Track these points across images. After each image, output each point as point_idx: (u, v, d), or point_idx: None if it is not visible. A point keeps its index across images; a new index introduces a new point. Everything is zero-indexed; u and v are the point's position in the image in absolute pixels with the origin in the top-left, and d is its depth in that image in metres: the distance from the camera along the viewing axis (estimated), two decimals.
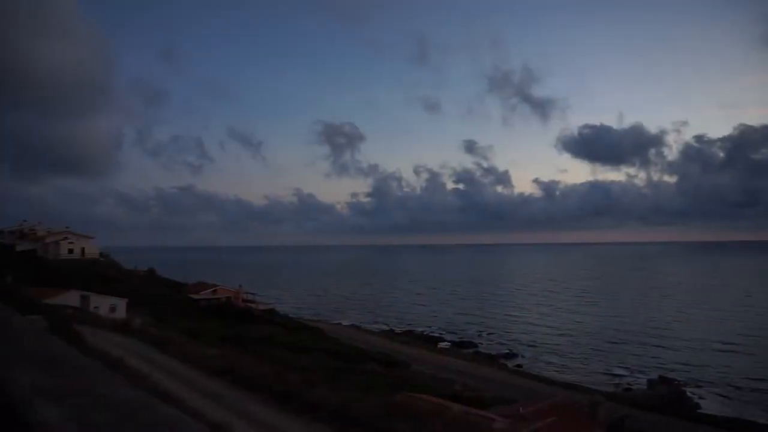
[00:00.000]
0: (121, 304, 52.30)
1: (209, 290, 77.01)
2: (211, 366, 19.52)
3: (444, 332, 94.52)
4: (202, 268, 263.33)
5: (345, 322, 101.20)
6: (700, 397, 55.12)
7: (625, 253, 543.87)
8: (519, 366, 68.83)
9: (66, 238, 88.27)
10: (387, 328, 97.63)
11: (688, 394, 55.95)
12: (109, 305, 50.33)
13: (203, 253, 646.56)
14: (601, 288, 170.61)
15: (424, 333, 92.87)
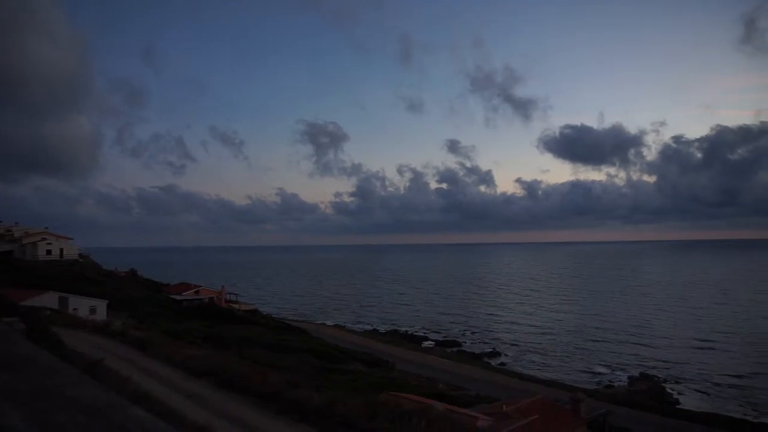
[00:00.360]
0: (102, 306, 51.44)
1: (191, 291, 76.25)
2: (193, 367, 19.32)
3: (428, 331, 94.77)
4: (184, 269, 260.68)
5: (329, 323, 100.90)
6: (680, 393, 56.01)
7: (606, 252, 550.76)
8: (502, 364, 69.34)
9: (44, 239, 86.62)
10: (371, 327, 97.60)
11: (668, 390, 56.84)
12: (88, 307, 49.44)
13: (186, 254, 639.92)
14: (582, 286, 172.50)
15: (409, 332, 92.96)
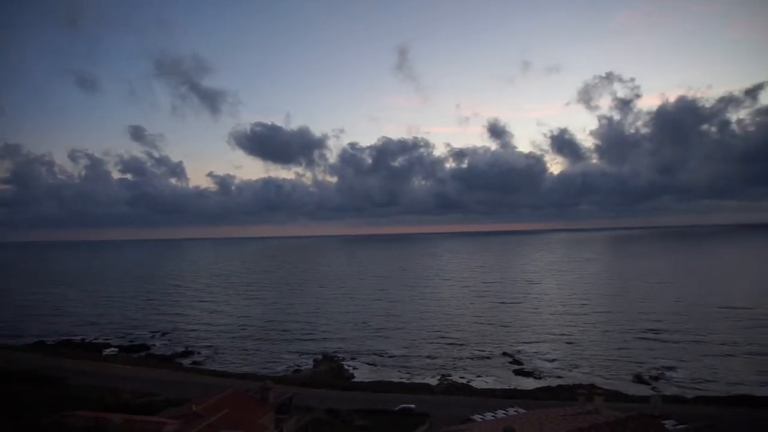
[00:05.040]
0: None
1: None
2: None
3: (110, 338, 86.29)
4: None
5: None
6: (355, 369, 65.09)
7: (294, 246, 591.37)
8: (195, 363, 68.01)
9: None
10: (36, 340, 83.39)
11: (346, 367, 65.39)
12: None
13: None
14: (268, 281, 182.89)
15: (85, 341, 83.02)
